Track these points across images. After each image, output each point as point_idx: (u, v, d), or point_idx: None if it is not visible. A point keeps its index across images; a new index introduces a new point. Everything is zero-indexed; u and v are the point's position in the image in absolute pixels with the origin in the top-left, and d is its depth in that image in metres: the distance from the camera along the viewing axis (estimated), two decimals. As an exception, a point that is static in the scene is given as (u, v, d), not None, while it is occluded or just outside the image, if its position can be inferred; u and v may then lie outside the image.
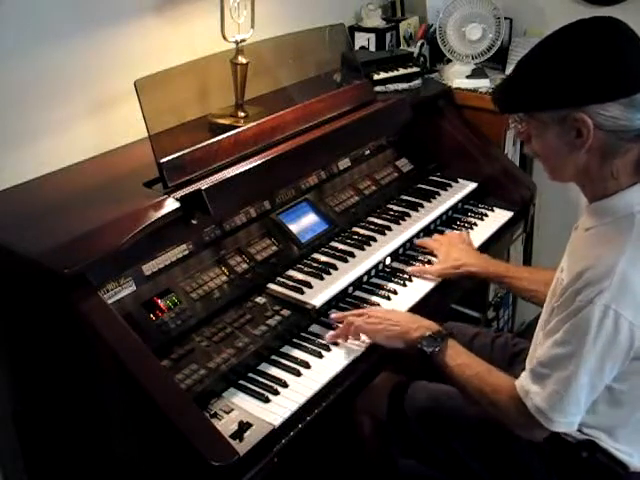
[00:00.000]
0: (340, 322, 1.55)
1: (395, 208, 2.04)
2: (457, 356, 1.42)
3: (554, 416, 1.24)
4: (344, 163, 2.03)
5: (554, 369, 1.24)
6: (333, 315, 1.57)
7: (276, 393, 1.36)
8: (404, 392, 1.63)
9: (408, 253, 1.89)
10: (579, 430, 1.33)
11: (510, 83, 1.30)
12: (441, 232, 2.00)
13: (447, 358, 1.41)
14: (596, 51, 1.17)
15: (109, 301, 1.35)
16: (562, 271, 1.33)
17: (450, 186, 2.19)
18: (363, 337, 1.51)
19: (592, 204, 1.30)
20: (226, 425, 1.27)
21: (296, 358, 1.47)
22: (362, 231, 1.90)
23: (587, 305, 1.19)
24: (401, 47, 2.53)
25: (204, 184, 1.52)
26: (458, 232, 1.96)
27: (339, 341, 1.51)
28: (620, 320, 1.18)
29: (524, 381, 1.29)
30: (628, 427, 1.34)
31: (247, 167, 1.61)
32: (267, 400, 1.35)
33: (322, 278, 1.67)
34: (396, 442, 1.62)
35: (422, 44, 2.48)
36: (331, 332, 1.53)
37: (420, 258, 1.86)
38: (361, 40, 2.47)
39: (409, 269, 1.79)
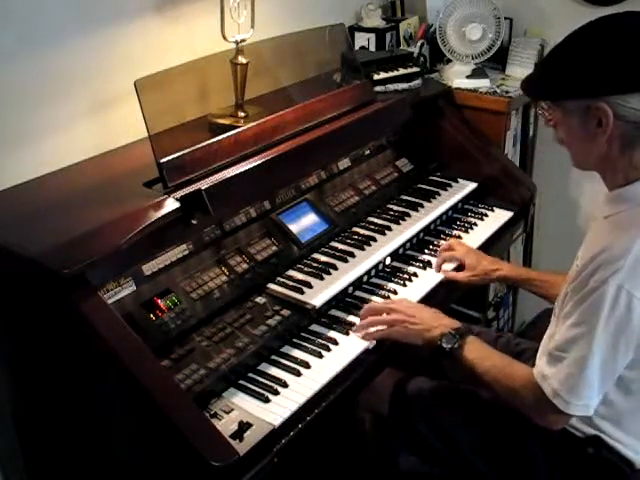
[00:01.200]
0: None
1: (395, 208, 2.04)
2: (476, 350, 1.45)
3: (570, 398, 1.26)
4: (344, 163, 2.03)
5: (569, 350, 1.26)
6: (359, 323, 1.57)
7: (276, 393, 1.36)
8: (407, 388, 1.63)
9: (408, 253, 1.89)
10: (589, 420, 1.33)
11: (538, 72, 1.33)
12: (441, 232, 2.01)
13: (466, 352, 1.44)
14: (620, 43, 1.20)
15: (109, 301, 1.35)
16: (578, 259, 1.35)
17: (450, 186, 2.19)
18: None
19: (612, 192, 1.32)
20: (226, 425, 1.27)
21: (296, 358, 1.47)
22: (362, 231, 1.90)
23: (601, 285, 1.20)
24: (401, 47, 2.52)
25: (204, 184, 1.52)
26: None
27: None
28: (633, 301, 1.20)
29: (541, 366, 1.31)
30: (636, 417, 1.34)
31: (247, 167, 1.61)
32: (267, 400, 1.35)
33: (322, 278, 1.67)
34: (398, 439, 1.62)
35: (422, 44, 2.48)
36: (358, 323, 1.56)
37: (420, 258, 1.86)
38: (361, 40, 2.47)
39: (442, 273, 1.79)
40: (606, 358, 1.24)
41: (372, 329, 1.54)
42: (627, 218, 1.27)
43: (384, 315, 1.55)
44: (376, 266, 1.77)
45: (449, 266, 1.82)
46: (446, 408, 1.58)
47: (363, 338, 1.53)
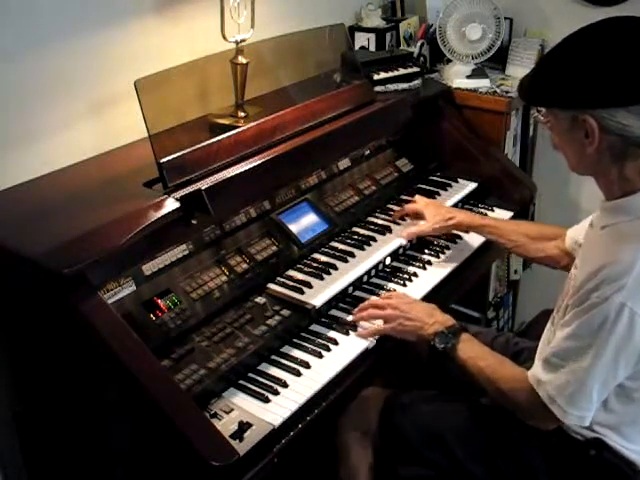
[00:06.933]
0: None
1: (395, 208, 2.03)
2: (470, 349, 1.46)
3: (567, 407, 1.26)
4: (344, 163, 2.03)
5: (567, 361, 1.26)
6: (351, 317, 1.59)
7: (276, 393, 1.36)
8: (397, 405, 1.60)
9: (408, 253, 1.89)
10: (589, 427, 1.33)
11: (531, 76, 1.32)
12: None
13: (459, 352, 1.45)
14: (607, 55, 1.18)
15: (109, 301, 1.35)
16: (575, 268, 1.34)
17: (450, 186, 2.19)
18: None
19: (609, 202, 1.31)
20: (226, 425, 1.27)
21: (296, 358, 1.47)
22: (362, 231, 1.90)
23: (603, 302, 1.20)
24: (401, 47, 2.53)
25: (204, 184, 1.52)
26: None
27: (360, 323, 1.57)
28: (635, 318, 1.19)
29: (537, 371, 1.31)
30: (637, 425, 1.34)
31: (247, 167, 1.61)
32: (267, 400, 1.35)
33: (322, 278, 1.67)
34: (393, 455, 1.60)
35: (422, 44, 2.48)
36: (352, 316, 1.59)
37: (420, 258, 1.86)
38: (361, 40, 2.47)
39: (404, 233, 1.86)
40: (606, 373, 1.24)
41: (367, 324, 1.55)
42: (629, 230, 1.26)
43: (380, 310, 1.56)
44: (376, 266, 1.77)
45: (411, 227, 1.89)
46: (441, 419, 1.54)
47: (359, 335, 1.53)
